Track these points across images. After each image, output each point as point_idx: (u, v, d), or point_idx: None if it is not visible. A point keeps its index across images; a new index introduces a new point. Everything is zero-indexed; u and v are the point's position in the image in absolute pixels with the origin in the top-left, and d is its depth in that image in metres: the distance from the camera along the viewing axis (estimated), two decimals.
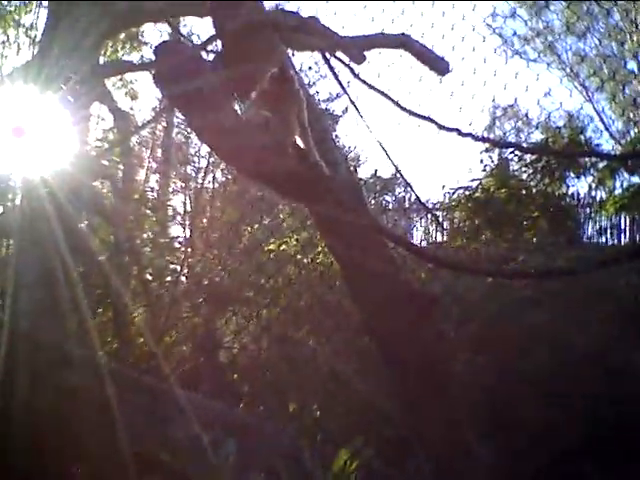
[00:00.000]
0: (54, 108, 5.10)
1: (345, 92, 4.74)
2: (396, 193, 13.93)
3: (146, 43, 11.31)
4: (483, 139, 4.12)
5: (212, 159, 9.49)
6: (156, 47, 3.22)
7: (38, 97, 5.24)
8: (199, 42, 5.56)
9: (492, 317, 5.04)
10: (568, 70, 16.83)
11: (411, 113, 3.76)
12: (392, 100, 3.72)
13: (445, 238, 9.18)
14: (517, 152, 8.13)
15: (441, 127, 3.50)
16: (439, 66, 3.92)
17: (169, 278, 7.93)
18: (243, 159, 3.12)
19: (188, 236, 9.10)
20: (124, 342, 6.35)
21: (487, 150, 9.09)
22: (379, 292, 3.24)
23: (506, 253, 6.22)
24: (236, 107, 3.64)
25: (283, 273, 7.40)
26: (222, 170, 10.06)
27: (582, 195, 9.15)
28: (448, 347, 3.17)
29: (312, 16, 3.83)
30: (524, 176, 7.99)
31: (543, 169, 7.60)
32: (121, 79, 10.22)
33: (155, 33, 11.71)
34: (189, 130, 11.89)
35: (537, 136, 16.59)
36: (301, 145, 3.26)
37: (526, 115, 17.71)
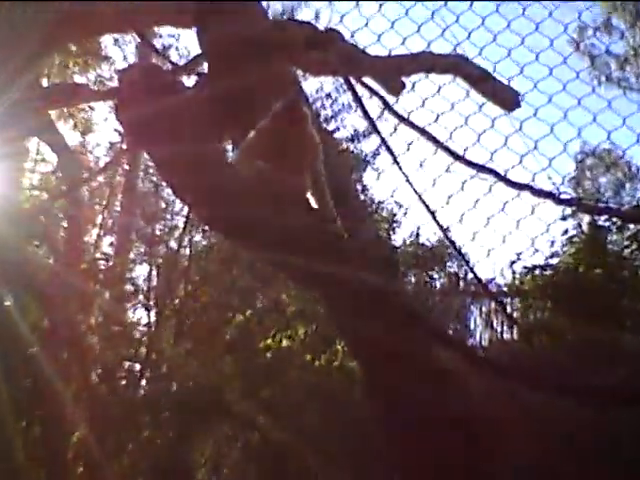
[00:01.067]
0: None
1: (375, 129, 4.83)
2: (445, 267, 13.94)
3: (107, 58, 11.76)
4: (568, 202, 4.11)
5: (189, 215, 9.63)
6: (120, 70, 3.30)
7: None
8: (180, 62, 5.73)
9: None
10: None
11: (462, 160, 3.80)
12: (437, 141, 3.76)
13: (515, 335, 9.10)
14: (616, 219, 8.12)
15: (508, 182, 3.52)
16: (506, 97, 3.96)
17: (124, 381, 7.90)
18: (231, 219, 3.15)
19: (153, 322, 9.12)
20: (56, 473, 6.26)
21: (573, 215, 9.10)
22: (423, 416, 3.18)
23: (601, 361, 6.12)
24: (227, 151, 3.72)
25: (285, 379, 7.33)
26: (203, 231, 10.21)
27: None
28: None
29: (333, 29, 3.93)
30: (627, 252, 7.96)
31: None
32: (71, 107, 10.50)
33: (123, 48, 12.25)
34: (159, 177, 12.20)
35: None
36: (313, 202, 3.31)
37: (629, 165, 17.64)
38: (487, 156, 3.81)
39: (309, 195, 3.31)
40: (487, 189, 3.71)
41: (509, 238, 3.77)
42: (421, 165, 4.04)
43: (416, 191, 4.47)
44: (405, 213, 13.09)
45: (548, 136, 3.65)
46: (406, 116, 4.02)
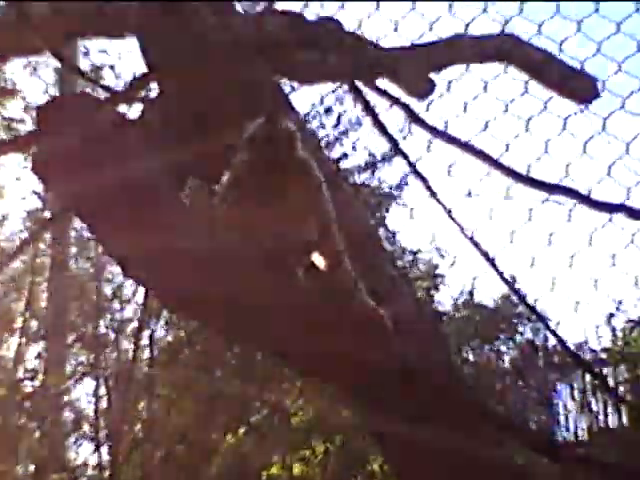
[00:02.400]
0: None
1: (398, 151, 4.83)
2: (516, 332, 13.86)
3: (15, 91, 11.87)
4: None
5: (146, 303, 9.61)
6: (38, 108, 3.31)
7: None
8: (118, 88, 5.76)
9: None
10: None
11: (532, 182, 3.80)
12: (489, 159, 3.77)
13: (624, 418, 9.10)
14: None
15: (594, 204, 3.52)
16: (579, 86, 4.00)
17: None
18: (213, 300, 3.12)
19: (105, 463, 9.03)
20: None
21: None
22: None
23: None
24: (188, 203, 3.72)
25: None
26: (167, 322, 10.17)
27: None
28: None
29: (330, 17, 3.97)
30: None
31: None
32: None
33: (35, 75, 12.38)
34: (100, 253, 12.19)
35: None
36: (323, 265, 3.29)
37: None
38: (560, 171, 3.79)
39: (316, 254, 3.31)
40: (565, 216, 3.70)
41: (602, 282, 3.75)
42: (469, 194, 4.01)
43: (463, 230, 4.45)
44: (452, 263, 13.14)
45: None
46: (441, 128, 4.03)
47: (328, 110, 13.84)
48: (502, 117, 3.85)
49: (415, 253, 12.60)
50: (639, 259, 3.77)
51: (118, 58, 12.73)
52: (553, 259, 3.71)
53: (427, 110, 4.05)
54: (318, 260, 3.31)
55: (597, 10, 3.66)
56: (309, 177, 3.28)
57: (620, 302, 8.38)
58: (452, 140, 3.97)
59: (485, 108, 3.86)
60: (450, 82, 3.90)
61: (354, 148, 14.08)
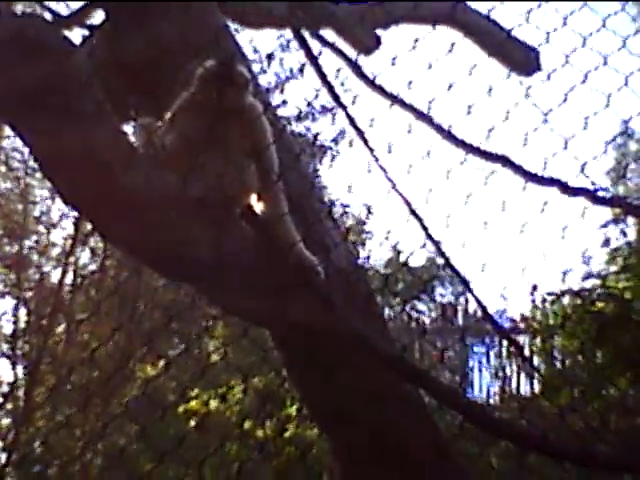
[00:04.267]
0: None
1: (340, 105, 4.88)
2: (436, 295, 14.03)
3: None
4: (608, 201, 4.16)
5: (76, 228, 9.59)
6: None
7: None
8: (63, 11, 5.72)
9: None
10: None
11: (466, 147, 3.88)
12: (434, 125, 3.84)
13: (537, 387, 9.20)
14: None
15: (530, 177, 3.60)
16: (521, 59, 4.07)
17: None
18: (137, 227, 3.16)
19: (21, 381, 9.03)
20: None
21: (615, 221, 9.19)
22: None
23: None
24: (128, 129, 3.73)
25: (217, 458, 7.33)
26: (94, 250, 10.16)
27: None
28: None
29: None
30: None
31: None
32: None
33: None
34: (30, 171, 12.08)
35: None
36: (260, 210, 3.35)
37: None
38: (497, 141, 3.84)
39: (256, 199, 3.36)
40: (497, 185, 3.75)
41: (529, 255, 3.83)
42: (403, 154, 4.06)
43: (396, 189, 4.50)
44: (378, 223, 13.24)
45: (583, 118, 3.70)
46: (383, 86, 4.10)
47: (270, 56, 13.69)
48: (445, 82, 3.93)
49: (346, 207, 12.64)
50: (566, 236, 3.86)
51: None
52: (480, 227, 3.78)
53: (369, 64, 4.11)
54: (257, 206, 3.35)
55: None
56: (255, 124, 3.32)
57: (543, 276, 8.48)
58: (391, 97, 4.03)
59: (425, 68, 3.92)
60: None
61: (300, 99, 14.08)
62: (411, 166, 3.46)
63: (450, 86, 3.27)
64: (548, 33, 3.57)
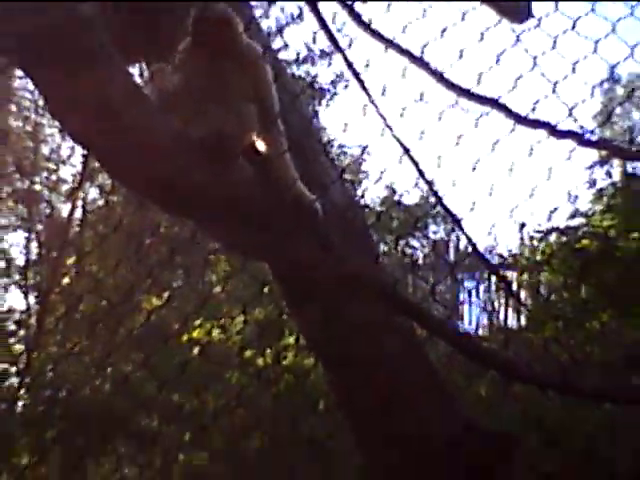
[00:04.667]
0: None
1: (338, 49, 4.84)
2: (430, 233, 14.06)
3: None
4: (595, 143, 4.15)
5: (85, 166, 9.56)
6: None
7: None
8: None
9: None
10: None
11: (464, 92, 3.85)
12: (428, 68, 3.82)
13: (523, 321, 9.25)
14: None
15: (520, 119, 3.59)
16: (513, 6, 4.05)
17: None
18: (139, 163, 3.16)
19: (34, 310, 9.08)
20: None
21: (602, 163, 9.18)
22: (408, 432, 3.28)
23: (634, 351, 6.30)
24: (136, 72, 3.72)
25: (219, 385, 7.38)
26: (101, 187, 10.15)
27: None
28: None
29: None
30: None
31: None
32: None
33: None
34: (40, 113, 12.04)
35: None
36: (262, 149, 3.34)
37: None
38: (489, 85, 3.83)
39: (258, 139, 3.34)
40: (487, 127, 3.75)
41: (517, 195, 3.82)
42: (399, 98, 4.05)
43: (391, 130, 4.49)
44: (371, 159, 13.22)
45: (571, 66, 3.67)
46: (379, 30, 4.07)
47: (271, 1, 13.57)
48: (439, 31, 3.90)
49: (343, 147, 12.62)
50: (554, 176, 3.86)
51: None
52: (471, 167, 3.77)
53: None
54: (259, 145, 3.34)
55: None
56: (255, 66, 3.30)
57: (531, 213, 8.47)
58: (388, 42, 4.01)
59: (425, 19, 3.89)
60: None
61: (301, 46, 14.02)
62: (405, 108, 3.45)
63: (443, 31, 3.25)
64: None
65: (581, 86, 3.54)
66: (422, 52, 3.82)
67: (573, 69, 3.37)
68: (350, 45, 4.16)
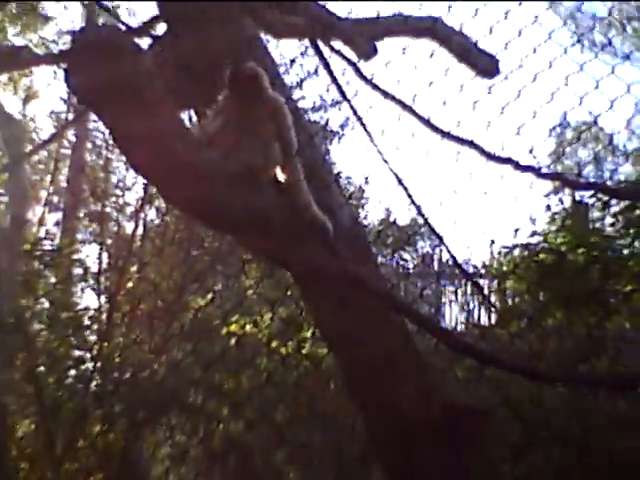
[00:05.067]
0: None
1: (345, 99, 4.85)
2: (419, 248, 14.07)
3: (48, 18, 11.57)
4: (549, 176, 4.15)
5: (145, 191, 9.57)
6: (74, 32, 3.29)
7: None
8: (135, 25, 5.69)
9: (569, 443, 5.09)
10: None
11: (442, 133, 3.85)
12: (415, 113, 3.80)
13: (493, 319, 9.18)
14: (600, 195, 8.20)
15: (490, 157, 3.57)
16: (484, 65, 4.02)
17: (73, 372, 7.89)
18: (186, 189, 3.17)
19: (104, 308, 9.09)
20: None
21: (556, 192, 9.17)
22: (398, 404, 3.25)
23: (586, 344, 6.25)
24: (185, 116, 3.73)
25: (250, 368, 7.37)
26: (158, 209, 10.17)
27: None
28: None
29: None
30: (611, 231, 8.01)
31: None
32: (11, 72, 10.37)
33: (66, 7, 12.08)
34: (110, 148, 12.14)
35: (627, 170, 16.90)
36: (283, 178, 3.34)
37: (610, 138, 17.92)
38: (467, 129, 3.83)
39: (279, 169, 3.35)
40: (467, 164, 3.75)
41: (488, 217, 3.81)
42: (394, 140, 4.05)
43: (389, 166, 4.50)
44: (374, 192, 13.25)
45: (533, 113, 3.66)
46: (379, 84, 4.06)
47: (293, 61, 13.69)
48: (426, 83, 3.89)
49: (349, 178, 12.65)
50: (517, 203, 3.85)
51: None
52: (452, 195, 3.77)
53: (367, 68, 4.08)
54: (281, 175, 3.36)
55: None
56: (278, 112, 3.30)
57: (499, 233, 8.52)
58: (385, 94, 4.01)
59: (411, 72, 3.89)
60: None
61: (315, 94, 14.12)
62: (398, 147, 3.46)
63: (430, 84, 3.26)
64: (506, 43, 3.55)
65: (539, 129, 3.54)
66: (413, 101, 3.84)
67: (533, 115, 3.37)
68: (355, 95, 4.17)
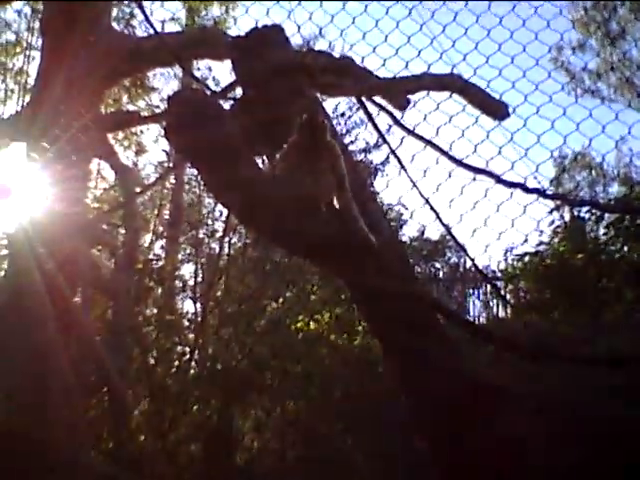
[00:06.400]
0: (47, 164, 5.28)
1: (384, 141, 4.86)
2: (447, 258, 13.97)
3: (154, 89, 11.82)
4: (552, 196, 4.08)
5: (228, 221, 9.66)
6: (169, 96, 3.34)
7: (28, 152, 5.44)
8: (217, 88, 5.76)
9: (573, 410, 4.94)
10: None
11: (463, 165, 3.80)
12: (440, 149, 3.76)
13: (508, 313, 9.08)
14: (594, 211, 8.09)
15: (501, 181, 3.52)
16: (497, 110, 3.97)
17: (176, 363, 7.97)
18: (264, 219, 3.18)
19: (199, 312, 9.20)
20: (121, 440, 6.31)
21: (557, 208, 9.05)
22: (435, 384, 3.18)
23: (585, 332, 6.12)
24: (259, 161, 3.75)
25: (313, 356, 7.37)
26: (240, 234, 10.27)
27: None
28: (520, 451, 3.06)
29: (346, 56, 3.97)
30: (604, 239, 7.90)
31: (627, 230, 7.47)
32: (125, 131, 10.59)
33: (167, 80, 12.33)
34: (201, 188, 12.34)
35: (616, 189, 16.59)
36: (337, 205, 3.32)
37: (601, 164, 17.68)
38: (483, 163, 3.79)
39: (335, 198, 3.34)
40: (484, 192, 3.70)
41: (504, 231, 3.74)
42: (425, 172, 4.01)
43: (422, 194, 4.46)
44: (411, 215, 13.23)
45: (536, 143, 3.61)
46: (412, 128, 4.03)
47: (342, 114, 13.79)
48: (448, 125, 3.85)
49: (390, 206, 12.61)
50: (527, 219, 3.78)
51: (210, 72, 12.60)
52: (475, 216, 3.72)
53: (403, 117, 4.05)
54: (336, 202, 3.35)
55: None
56: (334, 153, 3.32)
57: (513, 244, 8.45)
58: (418, 137, 3.97)
59: (438, 119, 3.85)
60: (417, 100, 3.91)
61: (357, 139, 14.21)
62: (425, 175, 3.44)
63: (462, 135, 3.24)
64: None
65: (542, 158, 3.49)
66: (449, 147, 3.80)
67: (537, 139, 3.33)
68: (401, 142, 4.12)
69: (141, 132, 11.66)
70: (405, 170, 4.47)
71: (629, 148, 16.08)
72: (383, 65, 3.93)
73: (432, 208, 4.68)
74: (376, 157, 14.57)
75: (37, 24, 9.03)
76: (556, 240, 8.08)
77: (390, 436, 6.35)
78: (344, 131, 13.83)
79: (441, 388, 3.13)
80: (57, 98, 5.30)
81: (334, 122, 13.25)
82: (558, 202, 8.48)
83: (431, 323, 3.45)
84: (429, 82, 3.90)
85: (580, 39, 15.00)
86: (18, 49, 10.93)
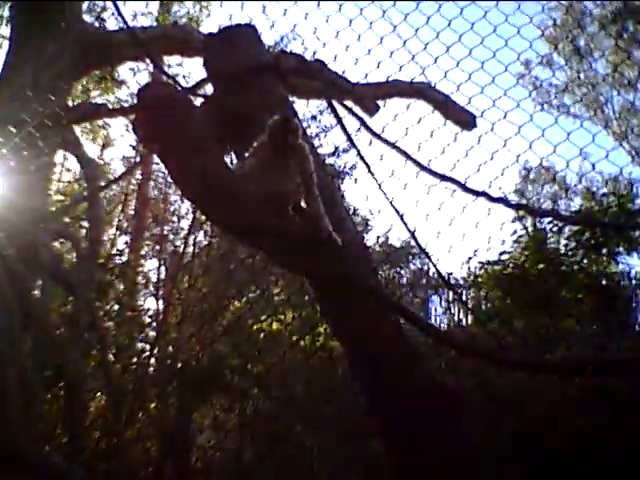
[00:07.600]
0: (9, 155, 5.20)
1: (353, 145, 4.86)
2: (410, 265, 14.05)
3: (122, 82, 11.69)
4: (516, 206, 4.15)
5: (194, 218, 9.61)
6: (139, 89, 3.31)
7: None
8: (187, 84, 5.75)
9: (532, 419, 5.05)
10: (615, 126, 17.17)
11: (428, 170, 3.84)
12: (408, 156, 3.80)
13: (470, 321, 9.14)
14: (556, 222, 8.20)
15: (467, 189, 3.57)
16: (464, 119, 4.05)
17: (135, 359, 7.90)
18: (231, 215, 3.18)
19: (161, 309, 9.12)
20: (76, 435, 6.23)
21: (520, 219, 9.18)
22: (395, 386, 3.22)
23: (544, 341, 6.23)
24: (227, 159, 3.76)
25: (275, 357, 7.37)
26: (205, 232, 10.22)
27: (636, 274, 9.04)
28: (477, 454, 3.12)
29: (318, 59, 3.99)
30: (564, 249, 8.02)
31: (588, 242, 7.61)
32: (92, 124, 10.47)
33: (137, 72, 12.20)
34: (168, 185, 12.25)
35: (578, 203, 16.90)
36: (305, 205, 3.34)
37: (564, 178, 18.00)
38: (449, 167, 3.82)
39: (302, 198, 3.37)
40: (449, 196, 3.74)
41: (467, 238, 3.78)
42: (392, 175, 4.04)
43: (387, 197, 4.48)
44: (375, 218, 13.29)
45: (499, 155, 3.66)
46: (380, 133, 4.07)
47: (314, 117, 13.81)
48: (416, 130, 3.89)
49: (356, 209, 12.65)
50: (490, 227, 3.83)
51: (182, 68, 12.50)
52: (439, 221, 3.75)
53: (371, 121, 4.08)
54: (303, 202, 3.39)
55: None
56: (303, 155, 3.33)
57: (475, 251, 8.52)
58: (385, 141, 4.00)
59: (406, 123, 3.89)
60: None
61: (326, 142, 14.20)
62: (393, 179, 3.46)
63: (432, 134, 3.28)
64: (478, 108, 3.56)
65: (506, 170, 3.54)
66: (414, 152, 3.85)
67: (504, 143, 3.38)
68: (370, 144, 4.15)
69: (108, 125, 11.55)
70: (371, 173, 4.50)
71: (591, 163, 16.36)
72: (355, 64, 3.96)
73: (396, 211, 4.71)
74: (344, 161, 14.63)
75: (5, 12, 8.88)
76: (518, 249, 8.18)
77: (350, 436, 6.39)
78: (313, 134, 13.83)
79: (397, 389, 3.17)
80: (23, 87, 5.23)
81: (304, 125, 13.28)
82: (521, 211, 8.58)
83: (393, 326, 3.49)
84: (400, 89, 3.95)
85: (547, 55, 15.27)
86: None
